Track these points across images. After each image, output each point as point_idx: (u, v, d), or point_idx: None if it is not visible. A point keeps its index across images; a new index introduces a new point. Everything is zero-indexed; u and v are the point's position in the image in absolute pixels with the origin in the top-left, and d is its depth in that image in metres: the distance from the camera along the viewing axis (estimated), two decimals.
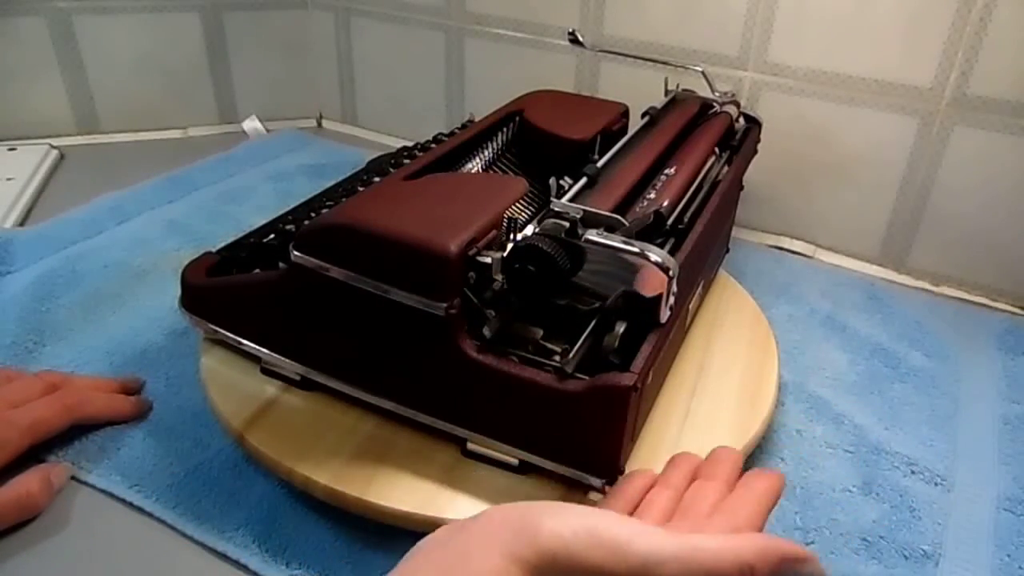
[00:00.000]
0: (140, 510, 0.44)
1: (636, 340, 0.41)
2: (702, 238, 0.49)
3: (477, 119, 0.62)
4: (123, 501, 0.45)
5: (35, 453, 0.46)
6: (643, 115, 0.60)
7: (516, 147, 0.62)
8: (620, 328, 0.41)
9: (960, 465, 0.51)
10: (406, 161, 0.56)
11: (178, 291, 0.52)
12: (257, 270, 0.51)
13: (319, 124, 1.05)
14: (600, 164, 0.50)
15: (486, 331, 0.41)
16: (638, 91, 0.67)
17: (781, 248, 0.78)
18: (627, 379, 0.38)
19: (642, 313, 0.41)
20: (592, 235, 0.41)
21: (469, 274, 0.41)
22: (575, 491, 0.43)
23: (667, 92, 0.66)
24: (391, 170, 0.54)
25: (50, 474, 0.44)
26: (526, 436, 0.42)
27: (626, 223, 0.43)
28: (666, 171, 0.52)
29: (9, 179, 0.80)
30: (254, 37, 0.97)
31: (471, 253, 0.40)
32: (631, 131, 0.57)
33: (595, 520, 0.30)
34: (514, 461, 0.43)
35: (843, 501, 0.47)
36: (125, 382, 0.52)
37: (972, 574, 0.43)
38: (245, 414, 0.47)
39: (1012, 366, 0.61)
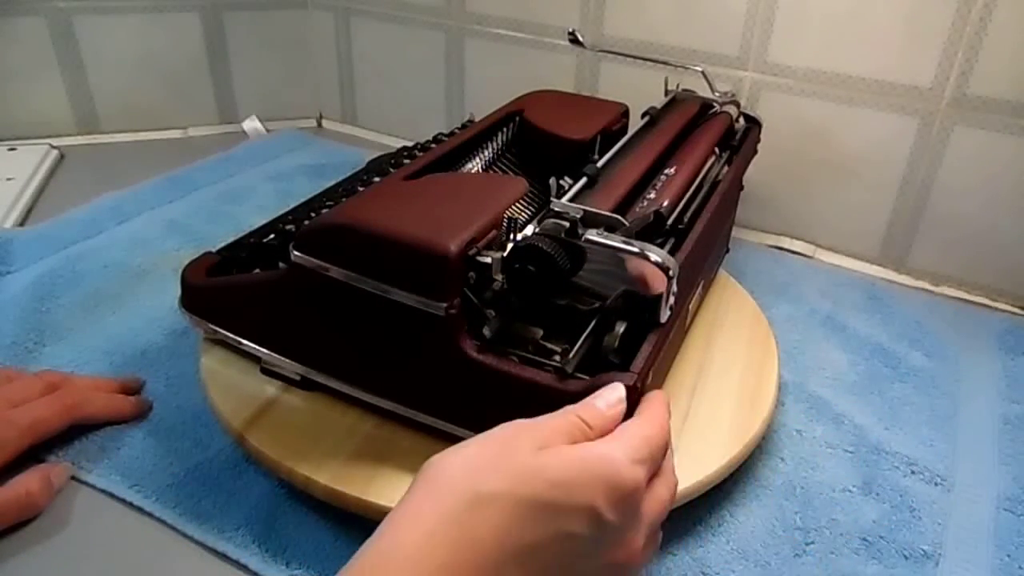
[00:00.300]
0: (140, 510, 0.44)
1: (636, 340, 0.41)
2: (702, 238, 0.49)
3: (477, 119, 0.62)
4: (123, 501, 0.45)
5: (35, 453, 0.46)
6: (643, 115, 0.60)
7: (516, 147, 0.62)
8: (620, 328, 0.41)
9: (960, 465, 0.51)
10: (406, 161, 0.56)
11: (178, 291, 0.52)
12: (257, 270, 0.51)
13: (319, 124, 1.05)
14: (600, 164, 0.50)
15: (486, 331, 0.41)
16: (638, 91, 0.67)
17: (781, 248, 0.78)
18: (627, 379, 0.38)
19: (642, 313, 0.41)
20: (592, 235, 0.41)
21: (469, 274, 0.41)
22: None
23: (667, 92, 0.66)
24: (391, 170, 0.54)
25: (50, 474, 0.44)
26: None
27: (626, 223, 0.43)
28: (666, 171, 0.52)
29: (9, 179, 0.80)
30: (254, 37, 0.97)
31: (471, 253, 0.40)
32: (631, 131, 0.57)
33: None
34: None
35: (843, 501, 0.47)
36: (125, 382, 0.52)
37: (972, 574, 0.43)
38: (245, 414, 0.47)
39: (1012, 366, 0.61)
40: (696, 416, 0.49)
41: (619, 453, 0.32)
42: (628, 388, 0.38)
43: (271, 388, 0.49)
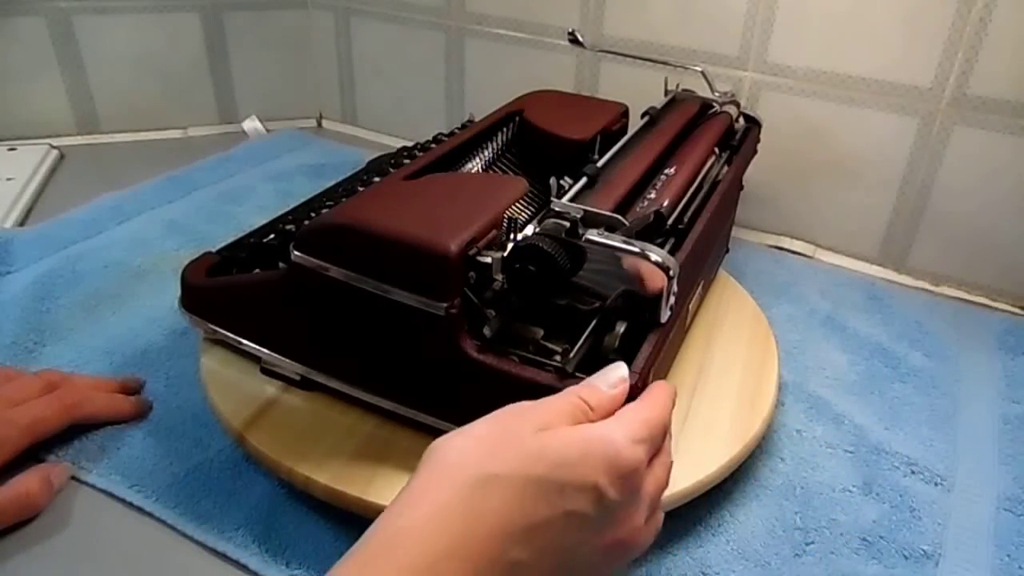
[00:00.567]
0: (140, 510, 0.44)
1: (636, 340, 0.41)
2: (702, 238, 0.49)
3: (477, 119, 0.62)
4: (123, 501, 0.45)
5: (35, 453, 0.46)
6: (643, 115, 0.60)
7: (516, 147, 0.62)
8: (620, 328, 0.41)
9: (960, 465, 0.51)
10: (406, 161, 0.56)
11: (178, 291, 0.52)
12: (257, 270, 0.51)
13: (319, 124, 1.05)
14: (600, 164, 0.50)
15: (486, 331, 0.41)
16: (638, 91, 0.67)
17: (781, 248, 0.78)
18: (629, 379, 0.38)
19: (642, 313, 0.41)
20: (592, 235, 0.41)
21: (469, 274, 0.41)
22: None
23: (667, 92, 0.66)
24: (391, 170, 0.54)
25: (50, 474, 0.44)
26: None
27: (626, 223, 0.43)
28: (666, 171, 0.52)
29: (9, 179, 0.80)
30: (254, 37, 0.97)
31: (471, 253, 0.40)
32: (631, 131, 0.57)
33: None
34: None
35: (843, 501, 0.47)
36: (125, 382, 0.52)
37: (972, 574, 0.43)
38: (245, 414, 0.47)
39: (1012, 366, 0.61)
40: (696, 416, 0.49)
41: (619, 434, 0.33)
42: (630, 387, 0.38)
43: (271, 388, 0.49)
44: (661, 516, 0.37)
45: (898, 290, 0.71)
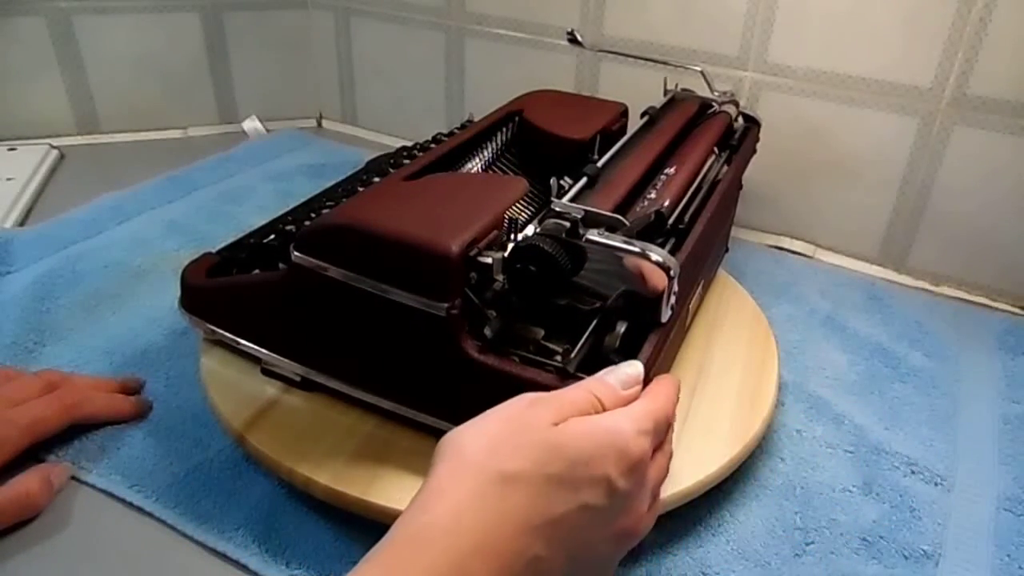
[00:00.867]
0: (140, 510, 0.44)
1: (637, 340, 0.41)
2: (702, 238, 0.49)
3: (477, 119, 0.62)
4: (123, 501, 0.45)
5: (35, 453, 0.46)
6: (642, 115, 0.60)
7: (515, 147, 0.62)
8: (621, 328, 0.41)
9: (960, 465, 0.51)
10: (405, 161, 0.56)
11: (178, 291, 0.52)
12: (257, 271, 0.51)
13: (319, 124, 1.05)
14: (600, 164, 0.50)
15: (487, 331, 0.41)
16: (639, 91, 0.67)
17: (781, 248, 0.78)
18: None
19: (643, 313, 0.41)
20: (593, 235, 0.41)
21: (470, 274, 0.41)
22: None
23: (666, 92, 0.66)
24: (390, 170, 0.54)
25: (50, 474, 0.44)
26: None
27: (627, 223, 0.43)
28: (666, 171, 0.52)
29: (9, 179, 0.80)
30: (254, 37, 0.97)
31: (472, 253, 0.40)
32: (630, 131, 0.57)
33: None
34: None
35: (843, 501, 0.47)
36: (125, 382, 0.52)
37: (972, 574, 0.43)
38: (246, 415, 0.47)
39: (1012, 366, 0.61)
40: (696, 416, 0.49)
41: (627, 426, 0.34)
42: None
43: (271, 388, 0.49)
44: (659, 503, 0.38)
45: (898, 290, 0.71)
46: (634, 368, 0.38)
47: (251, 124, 0.99)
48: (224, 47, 0.96)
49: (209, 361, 0.51)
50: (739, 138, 0.63)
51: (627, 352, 0.40)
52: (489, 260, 0.40)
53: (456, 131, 0.60)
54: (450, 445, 0.32)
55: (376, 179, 0.56)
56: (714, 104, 0.64)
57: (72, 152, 0.90)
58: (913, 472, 0.50)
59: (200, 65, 0.96)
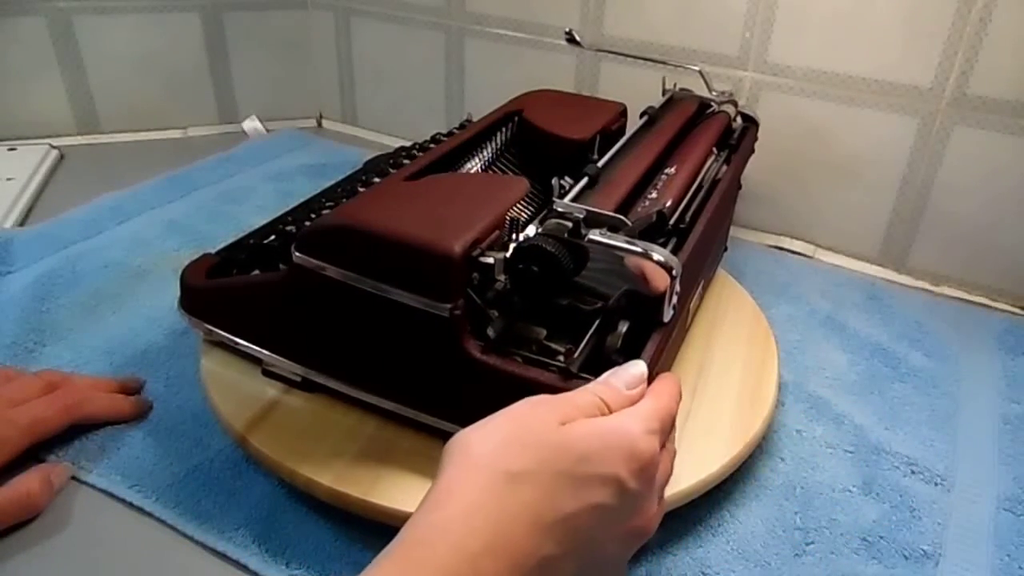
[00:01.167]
0: (140, 510, 0.44)
1: (639, 339, 0.41)
2: (703, 237, 0.49)
3: (476, 119, 0.62)
4: (123, 501, 0.45)
5: (35, 453, 0.46)
6: (642, 115, 0.60)
7: (515, 147, 0.62)
8: (623, 327, 0.41)
9: (960, 465, 0.51)
10: (405, 161, 0.56)
11: (178, 291, 0.51)
12: (257, 271, 0.51)
13: (319, 124, 1.05)
14: (600, 164, 0.50)
15: (490, 331, 0.41)
16: (639, 91, 0.67)
17: (781, 248, 0.78)
18: None
19: (645, 312, 0.41)
20: (595, 235, 0.41)
21: (472, 275, 0.41)
22: None
23: (664, 92, 0.66)
24: (390, 170, 0.54)
25: (50, 474, 0.44)
26: None
27: (629, 223, 0.43)
28: (666, 170, 0.52)
29: (9, 179, 0.80)
30: (254, 37, 0.97)
31: (475, 254, 0.40)
32: (630, 130, 0.57)
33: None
34: None
35: (843, 501, 0.47)
36: (125, 382, 0.52)
37: (972, 574, 0.43)
38: (247, 416, 0.47)
39: (1012, 366, 0.61)
40: (696, 416, 0.49)
41: (635, 426, 0.34)
42: None
43: (272, 389, 0.49)
44: (665, 501, 0.38)
45: (898, 290, 0.72)
46: (638, 368, 0.38)
47: (251, 124, 0.99)
48: (224, 47, 0.96)
49: (209, 362, 0.51)
50: (738, 138, 0.63)
51: (629, 352, 0.40)
52: (491, 260, 0.40)
53: (455, 131, 0.60)
54: (458, 446, 0.32)
55: (376, 179, 0.56)
56: (713, 104, 0.65)
57: (72, 152, 0.90)
58: (913, 472, 0.50)
59: (200, 65, 0.96)
